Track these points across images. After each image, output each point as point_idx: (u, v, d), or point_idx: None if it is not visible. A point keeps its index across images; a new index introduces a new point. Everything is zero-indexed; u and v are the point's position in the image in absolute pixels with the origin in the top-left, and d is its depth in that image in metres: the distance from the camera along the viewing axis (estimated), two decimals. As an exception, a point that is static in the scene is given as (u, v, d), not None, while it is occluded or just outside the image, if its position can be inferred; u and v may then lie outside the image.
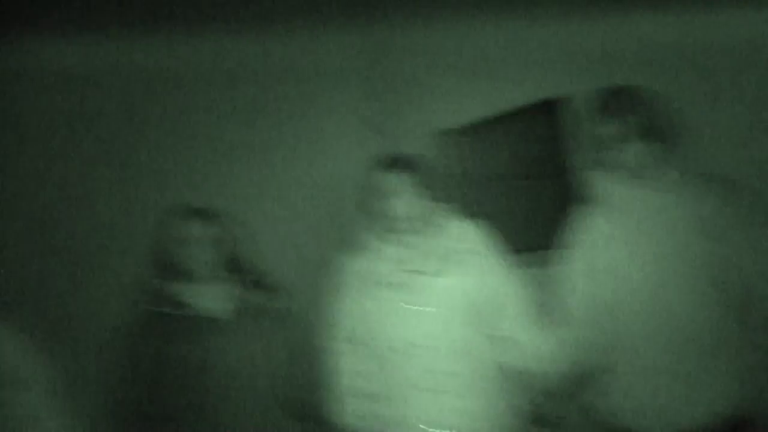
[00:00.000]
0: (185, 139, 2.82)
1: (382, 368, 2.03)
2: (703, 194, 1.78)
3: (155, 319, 2.00)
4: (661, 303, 1.77)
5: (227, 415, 1.98)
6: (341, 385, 2.09)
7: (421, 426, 1.94)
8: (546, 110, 2.73)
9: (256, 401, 2.01)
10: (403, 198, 1.97)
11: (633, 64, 2.31)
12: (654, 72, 2.25)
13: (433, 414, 1.94)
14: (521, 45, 2.63)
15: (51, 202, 2.60)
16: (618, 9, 2.32)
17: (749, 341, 1.78)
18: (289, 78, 3.04)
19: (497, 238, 2.12)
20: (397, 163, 2.01)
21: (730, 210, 1.75)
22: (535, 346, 2.04)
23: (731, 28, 2.22)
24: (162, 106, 2.79)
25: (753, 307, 1.78)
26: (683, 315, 1.75)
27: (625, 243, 1.82)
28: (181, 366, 1.96)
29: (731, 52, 2.22)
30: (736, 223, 1.75)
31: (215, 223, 2.08)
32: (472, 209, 2.47)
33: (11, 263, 2.49)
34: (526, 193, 3.26)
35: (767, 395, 1.81)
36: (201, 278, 2.03)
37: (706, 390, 1.75)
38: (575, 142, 2.46)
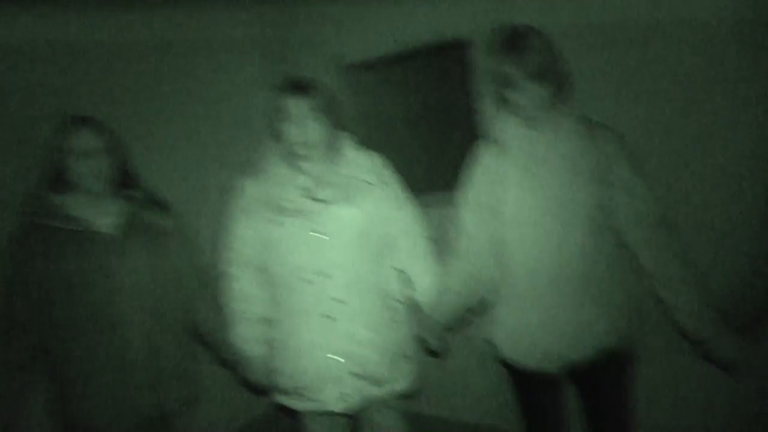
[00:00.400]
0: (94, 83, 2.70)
1: (275, 293, 2.04)
2: (590, 139, 1.83)
3: (40, 232, 1.93)
4: (546, 241, 1.83)
5: (112, 334, 1.94)
6: (234, 309, 2.10)
7: (314, 351, 1.98)
8: (453, 49, 2.74)
9: (143, 320, 1.98)
10: (302, 122, 1.94)
11: (537, 5, 2.34)
12: (557, 16, 2.31)
13: (325, 340, 1.97)
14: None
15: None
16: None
17: (624, 280, 1.89)
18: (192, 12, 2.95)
19: (396, 172, 2.15)
20: (296, 87, 1.97)
21: (613, 155, 1.82)
22: (426, 278, 2.11)
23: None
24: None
25: (629, 248, 1.87)
26: (567, 253, 1.82)
27: (514, 181, 1.87)
28: (65, 281, 1.91)
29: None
30: (618, 169, 1.82)
31: (105, 134, 1.99)
32: (375, 144, 2.49)
33: None
34: (431, 132, 3.31)
35: (640, 331, 1.94)
36: (89, 191, 1.95)
37: (588, 326, 1.84)
38: (479, 82, 2.49)
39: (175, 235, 2.11)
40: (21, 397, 1.99)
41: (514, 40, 1.78)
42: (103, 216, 1.98)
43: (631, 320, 1.90)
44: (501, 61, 1.78)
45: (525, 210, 1.86)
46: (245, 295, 2.09)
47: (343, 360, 1.97)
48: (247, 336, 2.09)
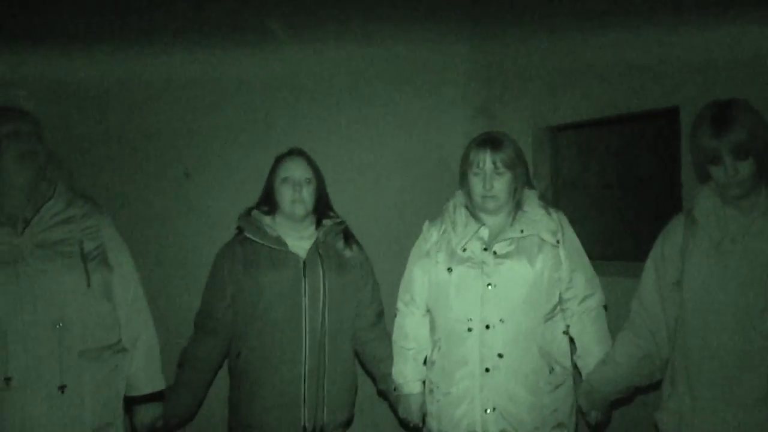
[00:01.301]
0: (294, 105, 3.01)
1: (438, 337, 2.09)
2: None
3: (246, 246, 2.19)
4: (731, 325, 1.69)
5: (287, 349, 2.12)
6: (400, 346, 2.18)
7: (467, 401, 1.99)
8: (663, 118, 2.65)
9: (315, 341, 2.14)
10: (490, 176, 2.00)
11: (747, 75, 2.20)
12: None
13: (479, 391, 1.98)
14: (635, 50, 2.57)
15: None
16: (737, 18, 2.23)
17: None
18: (404, 61, 3.17)
19: (585, 236, 2.11)
20: (488, 141, 2.04)
21: None
22: (593, 345, 2.03)
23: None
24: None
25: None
26: (753, 341, 1.67)
27: (703, 259, 1.75)
28: (257, 293, 2.14)
29: None
30: None
31: (313, 166, 2.22)
32: (568, 206, 2.47)
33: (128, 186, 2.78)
34: (630, 199, 3.19)
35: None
36: (292, 215, 2.18)
37: (763, 420, 1.67)
38: (686, 153, 2.37)
39: (357, 266, 2.26)
40: (202, 390, 2.26)
41: (720, 115, 1.70)
42: (299, 239, 2.19)
43: None
44: (706, 135, 1.71)
45: (711, 290, 1.74)
46: (412, 334, 2.16)
47: (494, 414, 1.96)
48: (406, 373, 2.16)
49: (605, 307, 2.10)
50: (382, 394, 2.40)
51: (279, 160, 2.23)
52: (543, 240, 2.02)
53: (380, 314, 2.32)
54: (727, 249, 1.73)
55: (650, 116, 2.69)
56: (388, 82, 3.15)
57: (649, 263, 1.93)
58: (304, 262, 2.16)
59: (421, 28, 3.11)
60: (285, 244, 2.17)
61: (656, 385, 1.97)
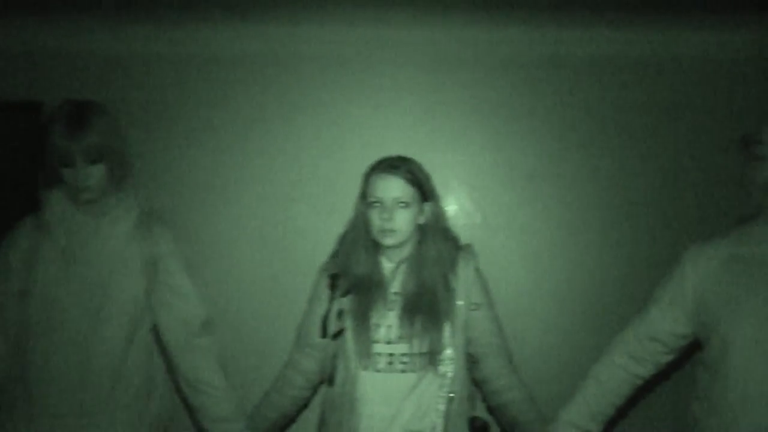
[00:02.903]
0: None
1: None
2: (142, 230, 1.77)
3: None
4: (76, 330, 1.68)
5: None
6: None
7: None
8: (27, 111, 2.49)
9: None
10: None
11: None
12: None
13: None
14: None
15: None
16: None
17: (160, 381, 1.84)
18: None
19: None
20: None
21: (163, 252, 1.77)
22: None
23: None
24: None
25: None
26: (97, 345, 1.69)
27: (50, 263, 1.71)
28: None
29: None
30: (166, 266, 1.78)
31: None
32: None
33: None
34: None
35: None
36: None
37: (106, 425, 1.70)
38: (41, 152, 2.28)
39: None
40: None
41: (75, 116, 1.66)
42: None
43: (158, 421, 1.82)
44: (59, 135, 1.65)
45: (57, 299, 1.69)
46: None
47: None
48: None
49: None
50: None
51: None
52: None
53: None
54: (74, 254, 1.71)
55: (15, 107, 2.49)
56: None
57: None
58: None
59: None
60: None
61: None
